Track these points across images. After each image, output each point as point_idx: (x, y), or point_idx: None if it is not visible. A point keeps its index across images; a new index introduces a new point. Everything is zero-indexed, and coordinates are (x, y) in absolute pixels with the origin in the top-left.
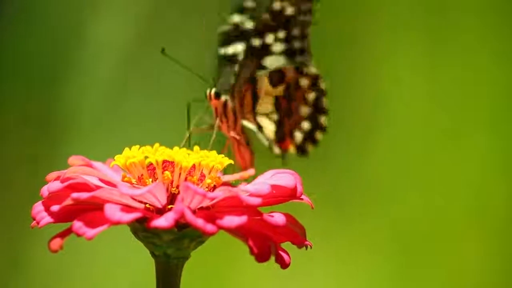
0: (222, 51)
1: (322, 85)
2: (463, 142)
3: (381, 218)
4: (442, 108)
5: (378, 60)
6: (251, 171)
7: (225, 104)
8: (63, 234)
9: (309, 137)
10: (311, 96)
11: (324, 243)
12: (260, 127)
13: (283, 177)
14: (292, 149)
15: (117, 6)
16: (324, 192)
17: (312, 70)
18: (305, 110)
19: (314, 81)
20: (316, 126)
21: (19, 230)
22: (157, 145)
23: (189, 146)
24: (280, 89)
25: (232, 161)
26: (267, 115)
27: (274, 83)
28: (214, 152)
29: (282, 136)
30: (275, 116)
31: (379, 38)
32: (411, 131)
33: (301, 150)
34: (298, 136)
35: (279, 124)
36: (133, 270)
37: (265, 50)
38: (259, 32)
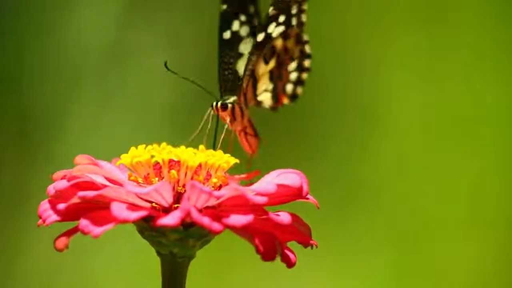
0: (223, 36)
1: (305, 36)
2: (461, 143)
3: (380, 219)
4: (441, 108)
5: (378, 61)
6: (256, 172)
7: (233, 110)
8: (68, 233)
9: (298, 83)
10: (297, 51)
11: (322, 244)
12: (259, 103)
13: (289, 177)
14: (285, 100)
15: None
16: (322, 192)
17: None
18: (292, 65)
19: (298, 37)
20: (302, 70)
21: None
22: (164, 144)
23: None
24: (272, 63)
25: (238, 160)
26: (265, 90)
27: (267, 61)
28: (220, 151)
29: (276, 96)
30: (270, 86)
31: (378, 38)
32: (410, 132)
33: (293, 97)
34: (289, 87)
35: (273, 90)
36: (139, 269)
37: (268, 39)
38: (264, 26)
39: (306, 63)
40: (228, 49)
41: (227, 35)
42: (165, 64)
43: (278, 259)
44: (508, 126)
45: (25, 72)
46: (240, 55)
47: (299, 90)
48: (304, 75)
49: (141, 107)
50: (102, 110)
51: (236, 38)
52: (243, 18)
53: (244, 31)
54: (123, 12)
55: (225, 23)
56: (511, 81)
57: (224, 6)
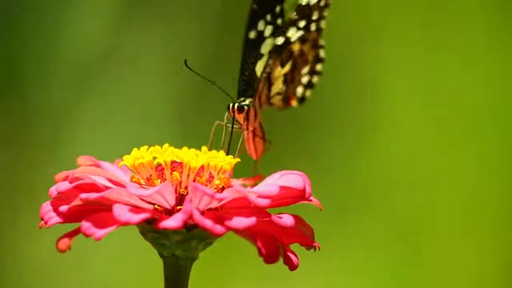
0: (249, 35)
1: (321, 41)
2: (461, 143)
3: (379, 218)
4: (441, 109)
5: (376, 63)
6: (259, 176)
7: (247, 112)
8: (71, 234)
9: (308, 86)
10: (312, 55)
11: (325, 245)
12: (271, 104)
13: (292, 178)
14: (294, 103)
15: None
16: (321, 193)
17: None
18: (306, 68)
19: (315, 41)
20: (314, 73)
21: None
22: (166, 145)
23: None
24: (288, 66)
25: (239, 159)
26: (278, 93)
27: (284, 64)
28: (222, 153)
29: (287, 98)
30: (283, 89)
31: (377, 41)
32: (408, 132)
33: (302, 100)
34: (300, 90)
35: (285, 92)
36: (141, 271)
37: (287, 43)
38: (284, 30)
39: (319, 67)
40: (251, 49)
41: (252, 35)
42: (185, 63)
43: (281, 261)
44: (508, 125)
45: (28, 73)
46: (261, 56)
47: (308, 93)
48: (315, 79)
49: (144, 108)
50: (106, 111)
51: (260, 38)
52: (268, 17)
53: (268, 31)
54: (125, 14)
55: (252, 23)
56: (510, 78)
57: (255, 6)
